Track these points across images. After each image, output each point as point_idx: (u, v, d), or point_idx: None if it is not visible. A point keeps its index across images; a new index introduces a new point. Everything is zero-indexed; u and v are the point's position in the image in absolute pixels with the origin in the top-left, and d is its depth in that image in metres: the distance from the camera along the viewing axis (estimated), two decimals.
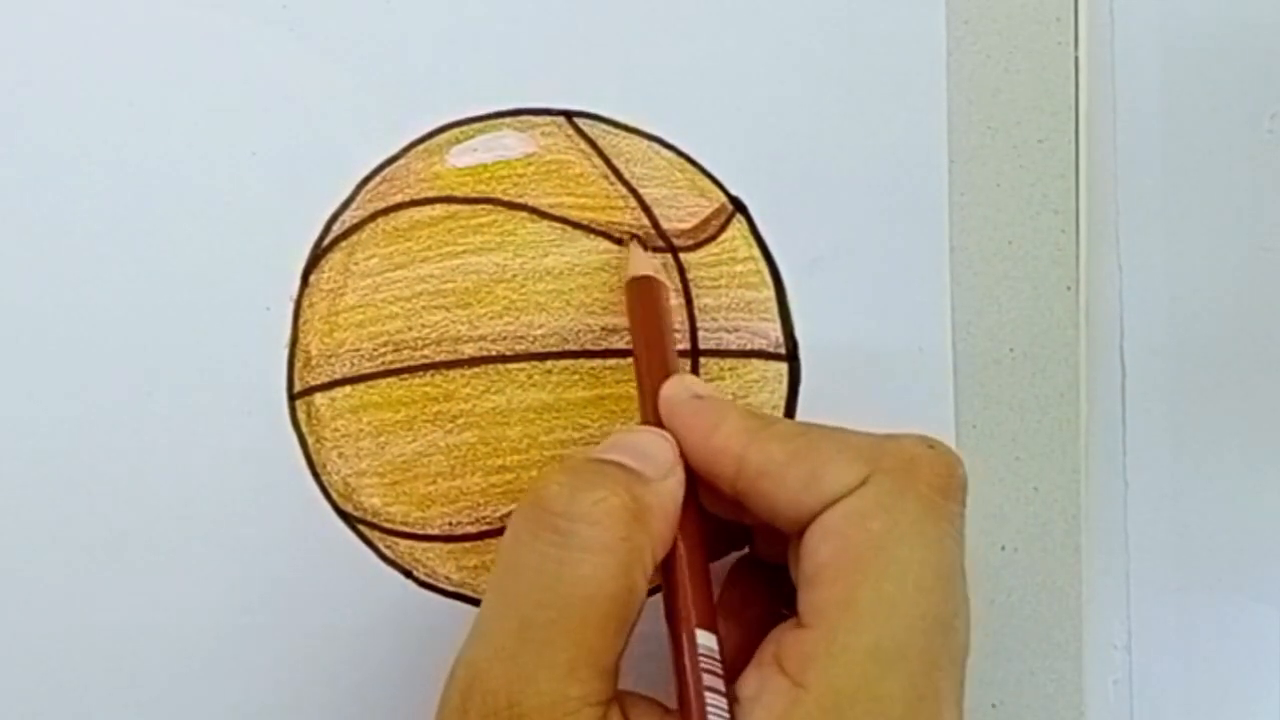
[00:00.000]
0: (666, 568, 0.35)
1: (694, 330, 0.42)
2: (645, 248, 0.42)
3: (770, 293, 0.43)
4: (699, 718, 0.33)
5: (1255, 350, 0.46)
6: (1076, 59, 0.45)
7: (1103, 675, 0.45)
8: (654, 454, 0.35)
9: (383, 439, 0.41)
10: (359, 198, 0.41)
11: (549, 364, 0.41)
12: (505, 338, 0.41)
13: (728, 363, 0.42)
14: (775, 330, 0.43)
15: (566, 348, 0.41)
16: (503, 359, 0.41)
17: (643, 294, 0.40)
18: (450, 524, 0.41)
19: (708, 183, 0.43)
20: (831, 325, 0.43)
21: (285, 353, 0.41)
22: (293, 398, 0.41)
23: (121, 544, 0.40)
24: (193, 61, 0.41)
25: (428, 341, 0.41)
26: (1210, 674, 0.45)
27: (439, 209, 0.41)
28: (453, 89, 0.42)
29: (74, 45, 0.41)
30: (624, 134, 0.43)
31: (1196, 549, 0.46)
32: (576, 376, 0.41)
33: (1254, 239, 0.46)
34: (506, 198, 0.42)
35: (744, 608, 0.37)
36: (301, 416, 0.41)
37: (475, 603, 0.41)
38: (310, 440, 0.41)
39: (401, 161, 0.42)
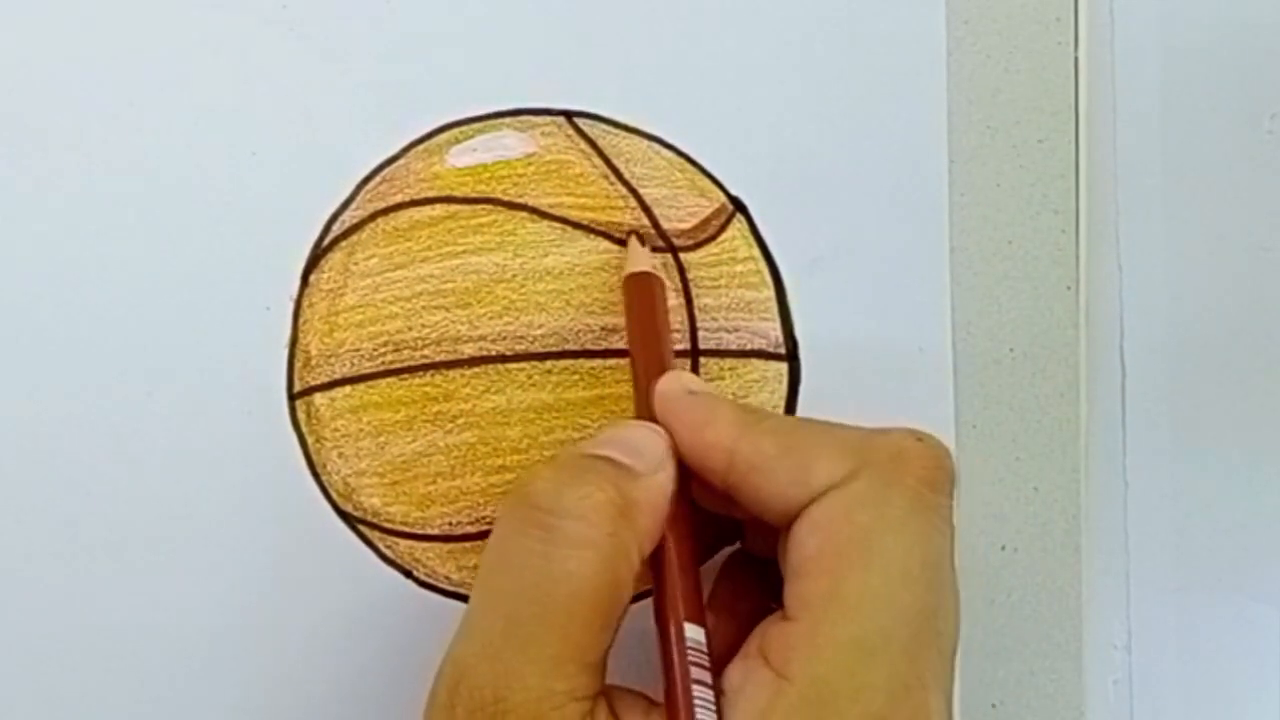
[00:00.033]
0: (655, 562, 0.35)
1: (694, 330, 0.42)
2: (644, 244, 0.42)
3: (770, 293, 0.43)
4: (685, 710, 0.33)
5: (1255, 350, 0.46)
6: (1076, 59, 0.45)
7: (1103, 675, 0.45)
8: (644, 448, 0.36)
9: (383, 439, 0.41)
10: (359, 198, 0.41)
11: (549, 364, 0.41)
12: (505, 338, 0.41)
13: (727, 362, 0.42)
14: (775, 330, 0.43)
15: (566, 348, 0.41)
16: (503, 359, 0.41)
17: (640, 290, 0.40)
18: (450, 524, 0.41)
19: (708, 183, 0.43)
20: (831, 325, 0.43)
21: (285, 353, 0.41)
22: (293, 398, 0.41)
23: (121, 544, 0.40)
24: (193, 61, 0.41)
25: (428, 341, 0.41)
26: (1210, 674, 0.45)
27: (439, 209, 0.41)
28: (452, 89, 0.42)
29: (74, 45, 0.41)
30: (624, 134, 0.43)
31: (1196, 549, 0.46)
32: (576, 376, 0.41)
33: (1254, 239, 0.46)
34: (506, 198, 0.42)
35: (736, 602, 0.37)
36: (301, 416, 0.41)
37: None
38: (310, 440, 0.41)
39: (401, 161, 0.42)
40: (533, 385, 0.41)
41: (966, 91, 0.44)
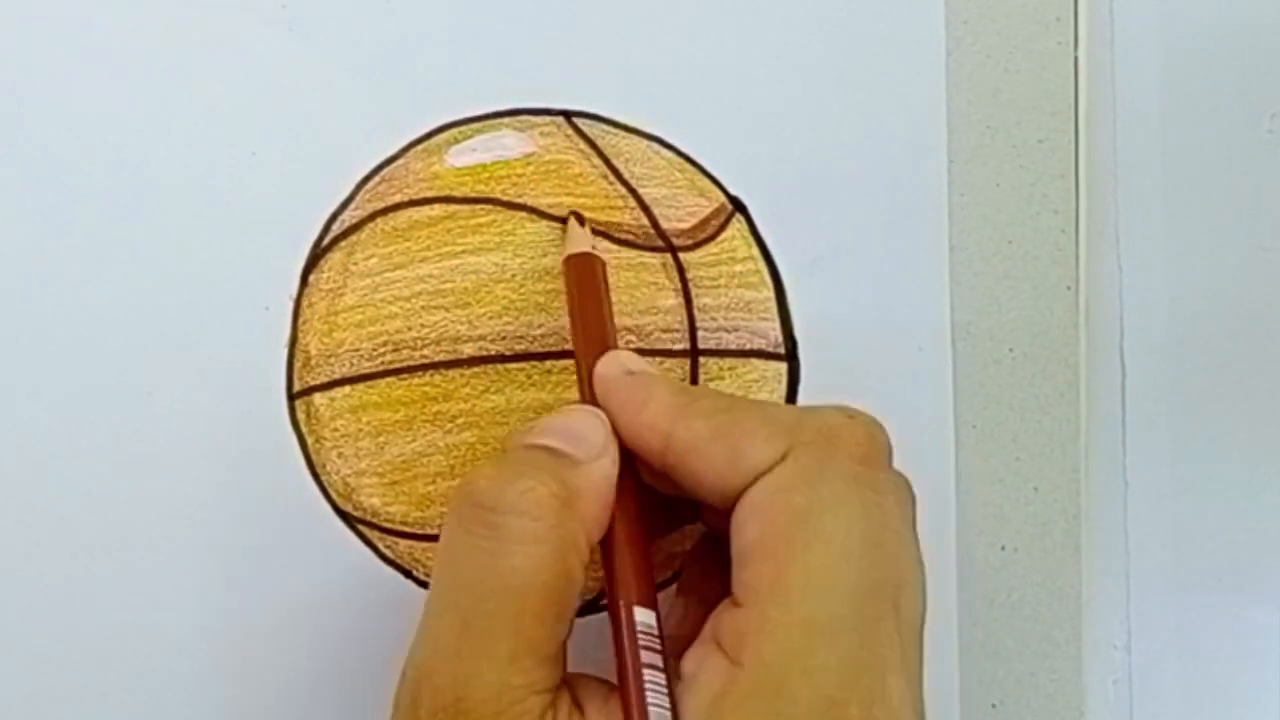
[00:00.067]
0: (604, 547, 0.35)
1: (693, 330, 0.42)
2: (583, 224, 0.41)
3: (770, 292, 0.43)
4: (637, 695, 0.33)
5: (1255, 350, 0.46)
6: (1076, 59, 0.45)
7: (1103, 675, 0.45)
8: (585, 434, 0.35)
9: (382, 439, 0.41)
10: (358, 198, 0.41)
11: (549, 364, 0.41)
12: (505, 338, 0.41)
13: (727, 362, 0.42)
14: (774, 330, 0.43)
15: (566, 348, 0.41)
16: (502, 359, 0.41)
17: (580, 270, 0.40)
18: None
19: (707, 183, 0.43)
20: (831, 325, 0.43)
21: (285, 353, 0.41)
22: (292, 398, 0.41)
23: (121, 544, 0.40)
24: (193, 61, 0.41)
25: (427, 341, 0.41)
26: (1210, 674, 0.45)
27: (438, 209, 0.41)
28: (452, 89, 0.42)
29: (74, 45, 0.41)
30: (623, 134, 0.43)
31: (1196, 549, 0.46)
32: (576, 376, 0.41)
33: (1254, 239, 0.46)
34: (506, 198, 0.42)
35: (705, 584, 0.37)
36: (301, 416, 0.41)
37: None
38: (310, 440, 0.41)
39: (401, 161, 0.42)
40: (533, 385, 0.41)
41: (966, 91, 0.44)
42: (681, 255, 0.42)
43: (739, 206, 0.43)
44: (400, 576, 0.41)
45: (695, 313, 0.42)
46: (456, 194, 0.42)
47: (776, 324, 0.43)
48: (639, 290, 0.42)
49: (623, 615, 0.34)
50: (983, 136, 0.45)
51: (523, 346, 0.41)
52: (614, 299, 0.41)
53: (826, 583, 0.33)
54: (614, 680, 0.34)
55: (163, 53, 0.41)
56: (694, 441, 0.35)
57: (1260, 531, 0.46)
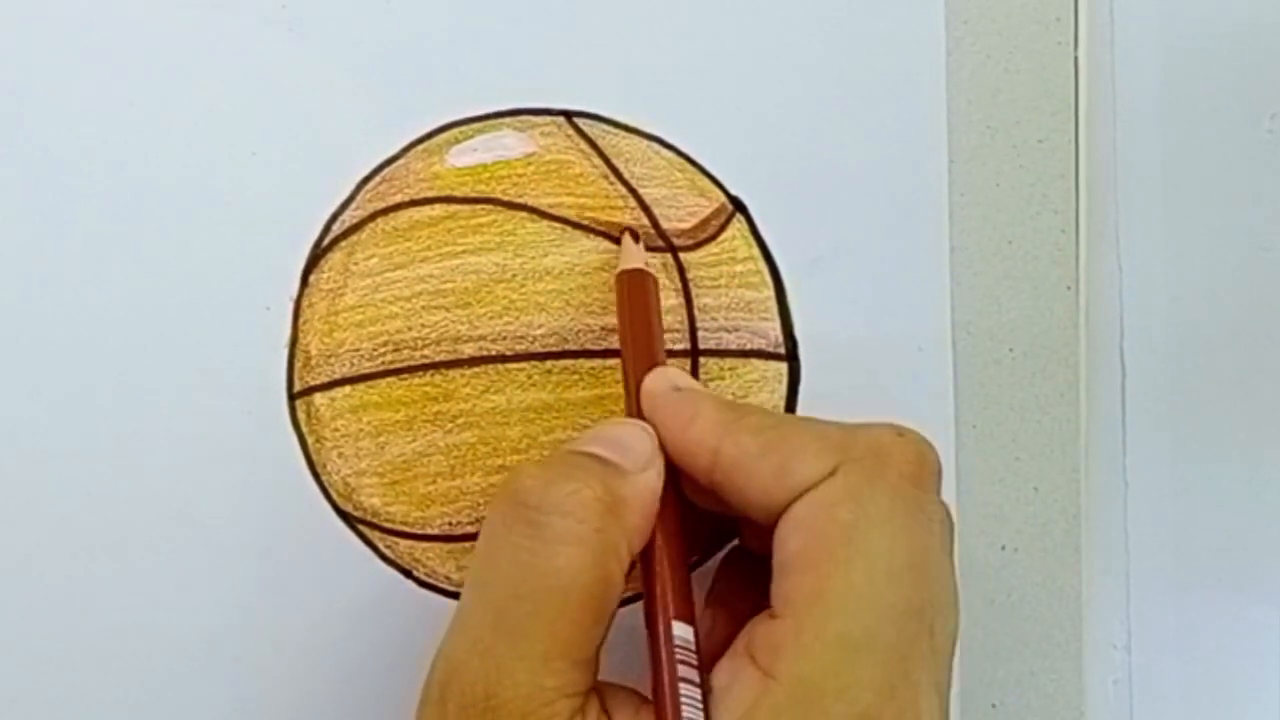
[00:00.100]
0: (644, 560, 0.35)
1: (694, 330, 0.42)
2: (638, 241, 0.42)
3: (770, 292, 0.43)
4: (672, 708, 0.33)
5: (1255, 350, 0.46)
6: (1076, 59, 0.45)
7: (1103, 675, 0.45)
8: (632, 446, 0.35)
9: (382, 439, 0.41)
10: (359, 198, 0.41)
11: (549, 364, 0.41)
12: (505, 338, 0.41)
13: (727, 362, 0.42)
14: (775, 330, 0.43)
15: (566, 348, 0.41)
16: (502, 359, 0.41)
17: (633, 286, 0.40)
18: (450, 524, 0.41)
19: (707, 183, 0.43)
20: (831, 325, 0.43)
21: (285, 353, 0.41)
22: (292, 398, 0.41)
23: (121, 544, 0.40)
24: (193, 61, 0.41)
25: (427, 341, 0.41)
26: (1210, 674, 0.45)
27: (438, 209, 0.41)
28: (452, 89, 0.42)
29: (74, 45, 0.41)
30: (624, 134, 0.43)
31: (1196, 549, 0.46)
32: (576, 376, 0.41)
33: (1254, 239, 0.46)
34: (506, 198, 0.42)
35: (734, 599, 0.37)
36: (301, 416, 0.41)
37: None
38: (310, 440, 0.41)
39: (401, 161, 0.42)
40: (533, 385, 0.41)
41: (966, 91, 0.44)
42: (682, 255, 0.42)
43: (739, 206, 0.43)
44: (400, 576, 0.41)
45: (695, 313, 0.42)
46: (457, 194, 0.42)
47: (777, 324, 0.43)
48: None
49: (660, 629, 0.34)
50: (983, 136, 0.45)
51: (523, 346, 0.41)
52: (613, 299, 0.41)
53: (867, 599, 0.33)
54: (644, 691, 0.34)
55: (163, 53, 0.41)
56: (741, 457, 0.35)
57: (1260, 531, 0.46)
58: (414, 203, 0.41)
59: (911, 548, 0.34)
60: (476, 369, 0.41)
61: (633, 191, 0.42)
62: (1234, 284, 0.46)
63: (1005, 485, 0.44)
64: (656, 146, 0.43)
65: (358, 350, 0.41)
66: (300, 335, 0.41)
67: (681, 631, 0.34)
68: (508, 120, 0.42)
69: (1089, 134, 0.45)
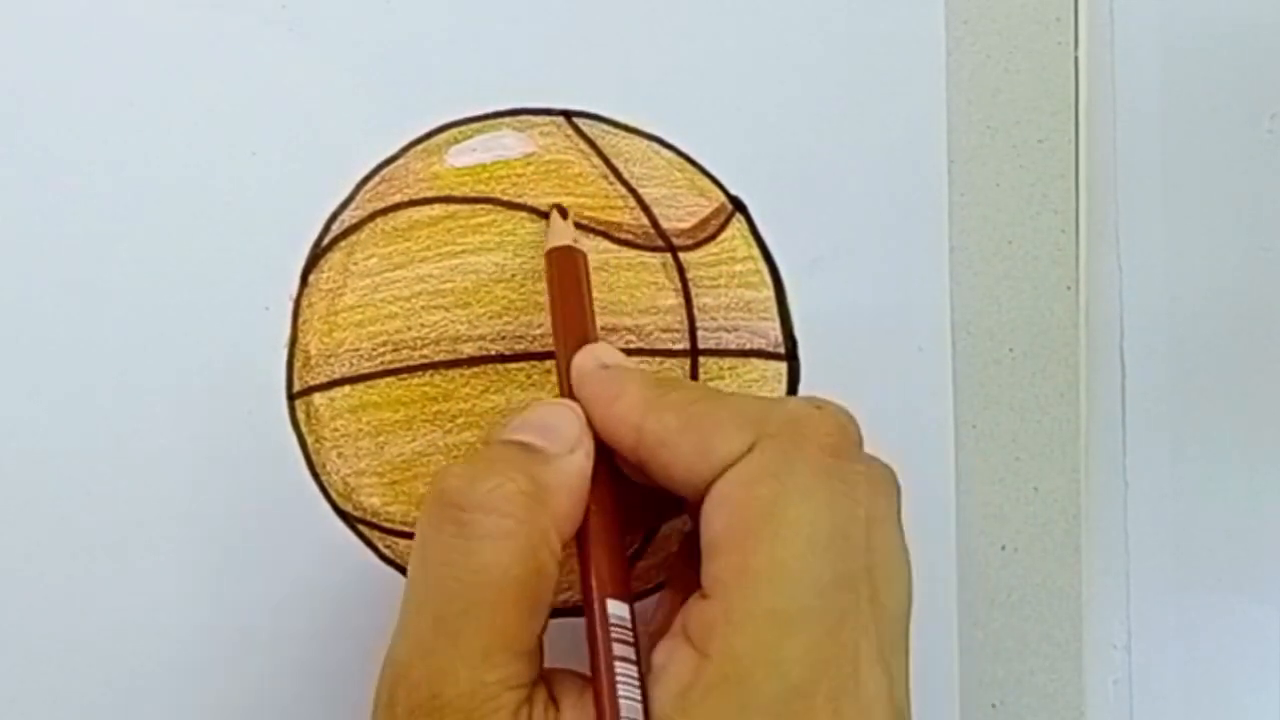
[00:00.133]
0: (578, 540, 0.35)
1: (693, 330, 0.42)
2: (566, 217, 0.41)
3: (770, 292, 0.43)
4: (609, 687, 0.33)
5: (1255, 350, 0.46)
6: (1076, 59, 0.45)
7: (1103, 675, 0.45)
8: (559, 428, 0.35)
9: (382, 439, 0.41)
10: (358, 197, 0.41)
11: (549, 364, 0.41)
12: (505, 338, 0.41)
13: (727, 362, 0.42)
14: (774, 330, 0.43)
15: None
16: (502, 359, 0.41)
17: (562, 264, 0.40)
18: None
19: (707, 182, 0.43)
20: (831, 325, 0.43)
21: (285, 353, 0.41)
22: (292, 398, 0.41)
23: (122, 544, 0.40)
24: (193, 61, 0.41)
25: (427, 341, 0.41)
26: (1210, 674, 0.45)
27: (438, 209, 0.41)
28: (452, 89, 0.42)
29: (74, 45, 0.41)
30: (623, 134, 0.43)
31: (1196, 549, 0.46)
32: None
33: (1254, 239, 0.46)
34: (506, 198, 0.42)
35: (688, 579, 0.37)
36: (301, 416, 0.41)
37: None
38: (310, 440, 0.41)
39: (401, 161, 0.42)
40: (532, 385, 0.41)
41: (966, 91, 0.44)
42: (681, 255, 0.42)
43: (739, 206, 0.43)
44: (400, 576, 0.41)
45: (695, 313, 0.42)
46: (456, 194, 0.42)
47: (776, 324, 0.43)
48: (639, 290, 0.42)
49: (595, 608, 0.34)
50: (983, 136, 0.45)
51: (523, 346, 0.41)
52: (614, 299, 0.41)
53: (793, 574, 0.33)
54: (589, 674, 0.34)
55: (163, 52, 0.41)
56: (664, 434, 0.35)
57: (1260, 531, 0.46)
58: (413, 203, 0.41)
59: (835, 518, 0.33)
60: (476, 369, 0.41)
61: (632, 191, 0.42)
62: (1234, 284, 0.46)
63: (1005, 485, 0.44)
64: (656, 146, 0.43)
65: (357, 350, 0.41)
66: (300, 335, 0.41)
67: (617, 609, 0.34)
68: (507, 120, 0.42)
69: (1089, 134, 0.45)
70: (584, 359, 0.37)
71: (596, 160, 0.42)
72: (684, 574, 0.37)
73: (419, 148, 0.42)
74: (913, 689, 0.34)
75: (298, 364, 0.41)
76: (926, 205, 0.44)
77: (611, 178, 0.42)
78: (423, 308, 0.41)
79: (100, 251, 0.40)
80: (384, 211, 0.41)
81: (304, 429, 0.41)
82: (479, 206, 0.42)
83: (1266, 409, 0.46)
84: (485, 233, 0.41)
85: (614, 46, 0.43)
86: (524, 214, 0.42)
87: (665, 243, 0.42)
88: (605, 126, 0.42)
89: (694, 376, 0.42)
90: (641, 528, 0.40)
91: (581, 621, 0.35)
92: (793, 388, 0.43)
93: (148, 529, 0.40)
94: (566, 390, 0.37)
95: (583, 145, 0.42)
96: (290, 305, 0.41)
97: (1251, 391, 0.46)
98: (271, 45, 0.41)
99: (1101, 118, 0.45)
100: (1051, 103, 0.45)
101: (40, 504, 0.40)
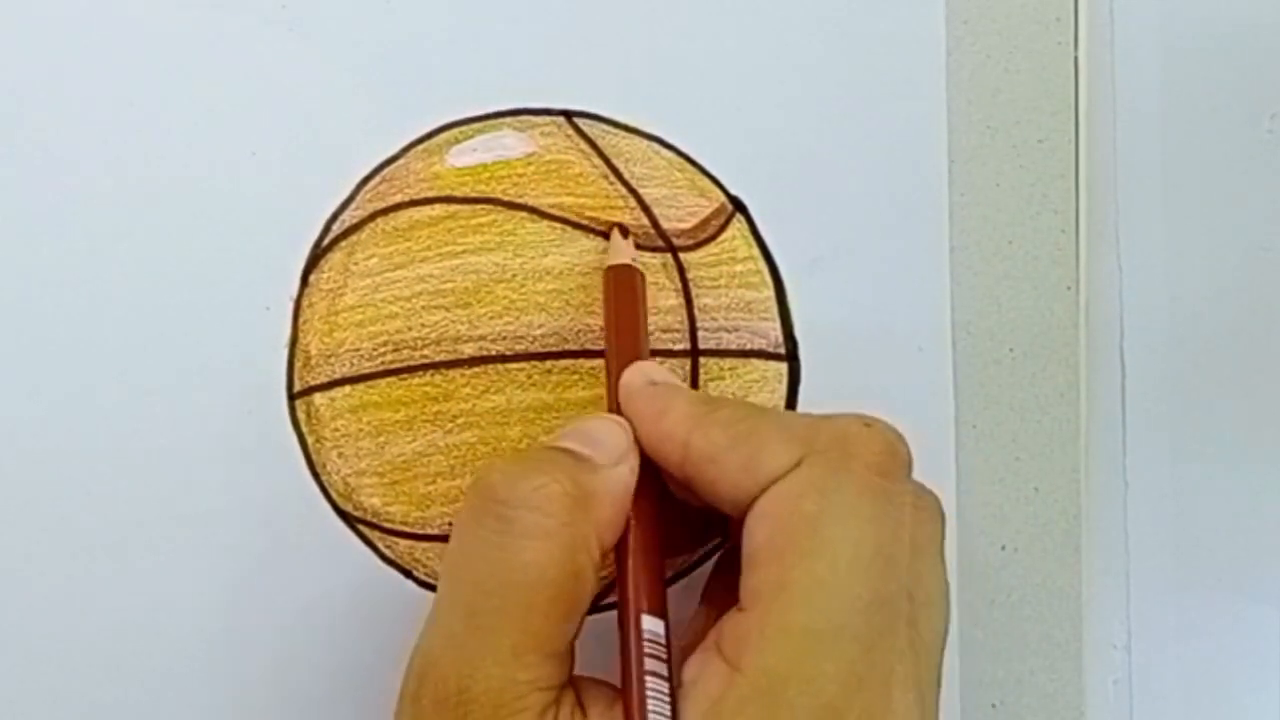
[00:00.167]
0: (617, 553, 0.35)
1: (694, 330, 0.42)
2: (627, 237, 0.42)
3: (770, 293, 0.43)
4: (639, 701, 0.33)
5: (1255, 350, 0.46)
6: (1076, 59, 0.45)
7: (1103, 675, 0.45)
8: (605, 440, 0.35)
9: (382, 439, 0.41)
10: (359, 197, 0.41)
11: (549, 364, 0.41)
12: (505, 338, 0.41)
13: (727, 362, 0.42)
14: (775, 330, 0.43)
15: (566, 348, 0.41)
16: (502, 359, 0.41)
17: (619, 282, 0.40)
18: (450, 524, 0.41)
19: (707, 182, 0.43)
20: (831, 325, 0.43)
21: (285, 352, 0.41)
22: (292, 397, 0.41)
23: (121, 544, 0.40)
24: (193, 61, 0.41)
25: (427, 341, 0.41)
26: (1210, 674, 0.45)
27: (438, 209, 0.41)
28: (452, 89, 0.42)
29: (74, 45, 0.41)
30: (624, 134, 0.43)
31: (1196, 549, 0.46)
32: (576, 376, 0.41)
33: (1254, 239, 0.46)
34: (506, 198, 0.42)
35: (726, 597, 0.37)
36: (301, 416, 0.41)
37: None
38: (310, 440, 0.41)
39: (401, 161, 0.42)
40: (533, 385, 0.41)
41: (966, 91, 0.44)
42: (682, 255, 0.42)
43: (739, 206, 0.43)
44: (400, 576, 0.41)
45: (695, 313, 0.42)
46: (457, 194, 0.42)
47: (777, 324, 0.43)
48: None
49: (631, 622, 0.34)
50: (983, 136, 0.45)
51: (523, 346, 0.41)
52: None
53: (831, 590, 0.32)
54: (620, 685, 0.34)
55: (162, 52, 0.41)
56: (711, 449, 0.35)
57: (1260, 531, 0.46)
58: (414, 203, 0.41)
59: (879, 538, 0.33)
60: (476, 369, 0.41)
61: (633, 191, 0.42)
62: (1234, 284, 0.46)
63: (1005, 485, 0.44)
64: (656, 146, 0.43)
65: (358, 350, 0.41)
66: (300, 335, 0.41)
67: (651, 625, 0.34)
68: (508, 120, 0.42)
69: (1089, 134, 0.45)
70: (632, 375, 0.37)
71: (597, 160, 0.42)
72: (719, 591, 0.37)
73: (419, 148, 0.42)
74: None
75: (298, 364, 0.41)
76: (926, 205, 0.44)
77: (612, 178, 0.42)
78: (423, 308, 0.41)
79: (100, 251, 0.40)
80: (384, 211, 0.41)
81: (304, 429, 0.41)
82: (480, 206, 0.42)
83: (1266, 409, 0.46)
84: (486, 233, 0.41)
85: (614, 46, 0.43)
86: (525, 214, 0.42)
87: (665, 243, 0.42)
88: (606, 126, 0.42)
89: (694, 376, 0.42)
90: (683, 549, 0.40)
91: (613, 622, 0.35)
92: (793, 388, 0.43)
93: (148, 529, 0.40)
94: (614, 405, 0.37)
95: (583, 145, 0.42)
96: (291, 305, 0.41)
97: (1251, 391, 0.46)
98: (271, 45, 0.41)
99: (1101, 118, 0.45)
100: (1051, 103, 0.45)
101: (40, 504, 0.40)
